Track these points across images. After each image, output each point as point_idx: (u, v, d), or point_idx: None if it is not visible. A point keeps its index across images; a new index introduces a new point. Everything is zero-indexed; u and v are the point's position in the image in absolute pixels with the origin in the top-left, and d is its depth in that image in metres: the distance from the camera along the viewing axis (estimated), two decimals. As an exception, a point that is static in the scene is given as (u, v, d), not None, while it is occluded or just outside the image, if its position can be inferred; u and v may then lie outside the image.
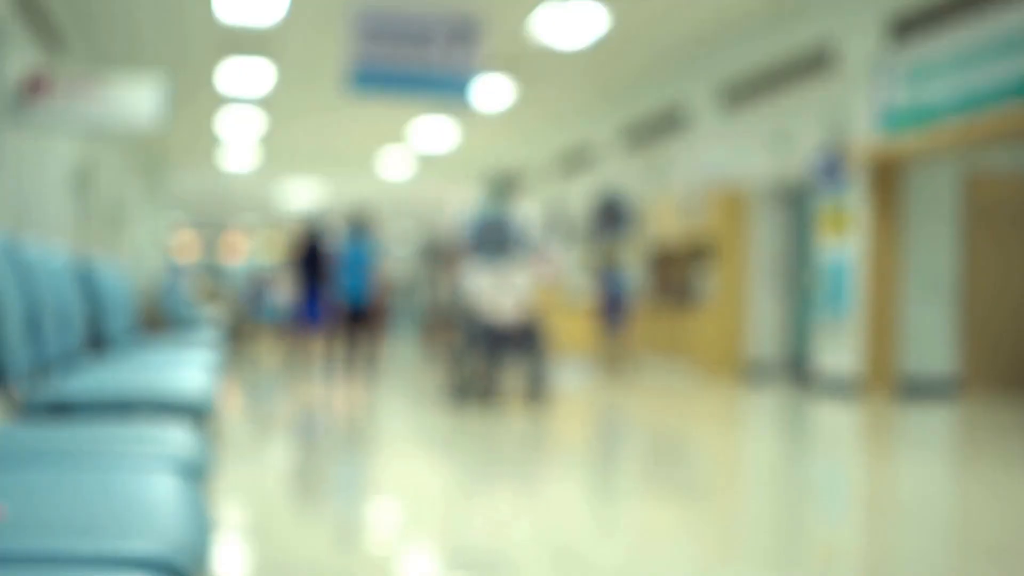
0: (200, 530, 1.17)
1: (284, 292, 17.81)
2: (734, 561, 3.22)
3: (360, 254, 10.52)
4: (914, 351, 8.65)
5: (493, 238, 8.49)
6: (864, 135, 8.45)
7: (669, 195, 12.14)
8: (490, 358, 7.59)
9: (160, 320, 9.99)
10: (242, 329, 14.83)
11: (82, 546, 1.01)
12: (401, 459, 5.31)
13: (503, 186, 8.68)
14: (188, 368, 3.12)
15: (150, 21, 10.10)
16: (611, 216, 13.53)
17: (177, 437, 1.77)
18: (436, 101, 9.69)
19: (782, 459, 5.63)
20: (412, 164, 18.77)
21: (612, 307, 12.15)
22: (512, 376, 8.91)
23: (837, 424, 7.07)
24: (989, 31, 7.19)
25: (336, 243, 10.65)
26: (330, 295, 10.48)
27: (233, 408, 7.11)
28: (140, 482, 1.35)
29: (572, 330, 14.40)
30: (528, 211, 15.94)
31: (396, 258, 22.37)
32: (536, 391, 7.51)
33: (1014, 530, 3.66)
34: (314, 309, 11.38)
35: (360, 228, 10.61)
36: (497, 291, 7.90)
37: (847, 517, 4.13)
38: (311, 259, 11.85)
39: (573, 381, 10.48)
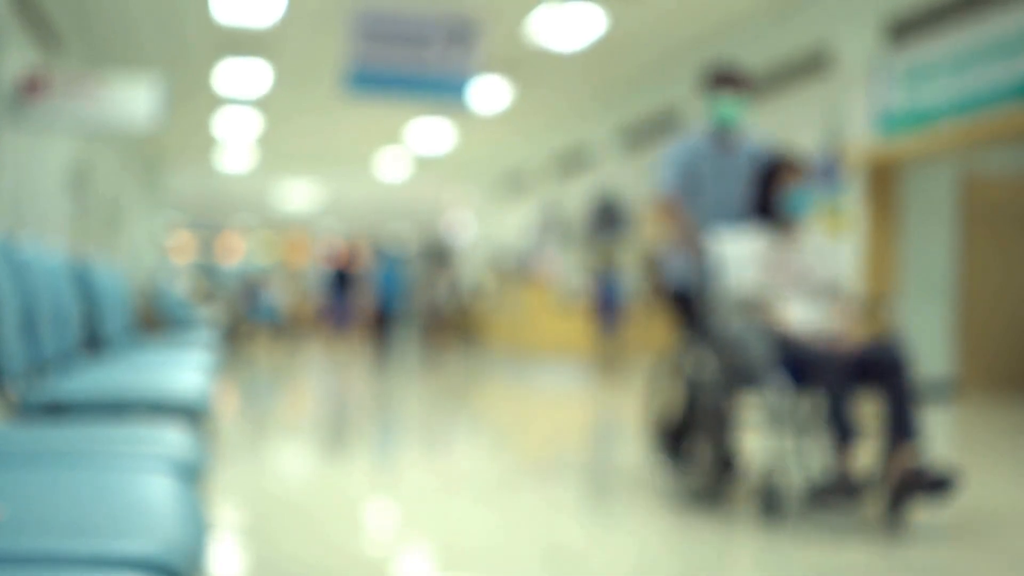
0: (195, 530, 1.17)
1: (281, 293, 17.90)
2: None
3: (392, 274, 14.20)
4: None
5: (745, 182, 4.23)
6: (861, 137, 8.46)
7: (666, 197, 12.14)
8: (836, 419, 3.56)
9: (157, 320, 10.00)
10: (239, 329, 14.82)
11: (78, 546, 1.01)
12: None
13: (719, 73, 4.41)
14: (184, 369, 3.12)
15: (147, 21, 10.09)
16: (608, 218, 13.54)
17: (173, 438, 1.77)
18: (434, 103, 9.69)
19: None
20: (409, 165, 18.77)
21: (607, 309, 12.15)
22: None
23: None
24: (986, 33, 7.20)
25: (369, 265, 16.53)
26: (359, 303, 17.23)
27: (230, 408, 7.10)
28: (136, 482, 1.35)
29: (567, 332, 14.40)
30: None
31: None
32: (917, 477, 3.44)
33: (1012, 529, 3.66)
34: (341, 313, 17.24)
35: (391, 255, 14.67)
36: (787, 286, 3.95)
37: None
38: (342, 274, 17.45)
39: (575, 384, 10.49)
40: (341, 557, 3.06)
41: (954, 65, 7.45)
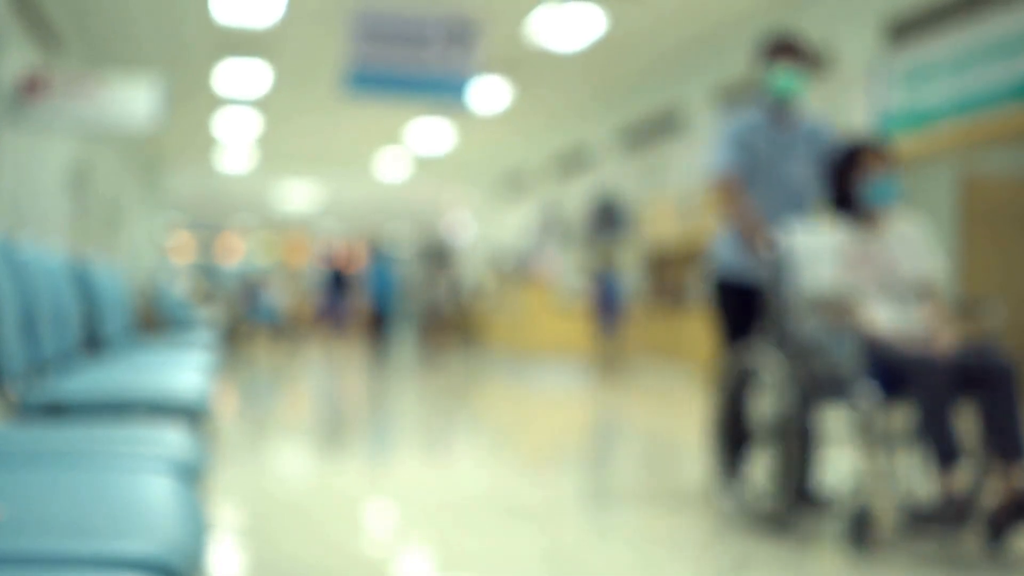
0: (195, 531, 1.17)
1: (282, 294, 17.93)
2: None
3: (385, 274, 14.45)
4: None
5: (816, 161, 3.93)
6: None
7: (666, 197, 12.15)
8: (937, 434, 3.09)
9: (156, 321, 10.00)
10: (238, 330, 14.82)
11: (77, 546, 1.01)
12: None
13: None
14: (184, 369, 3.12)
15: (147, 22, 10.09)
16: (607, 218, 13.55)
17: (173, 438, 1.77)
18: (433, 103, 9.69)
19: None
20: (409, 166, 18.77)
21: (607, 309, 12.16)
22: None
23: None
24: (986, 34, 7.20)
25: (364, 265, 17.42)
26: (354, 303, 17.98)
27: (230, 408, 7.10)
28: (135, 483, 1.35)
29: (567, 332, 14.40)
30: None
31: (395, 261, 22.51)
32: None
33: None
34: (338, 314, 17.75)
35: (383, 254, 14.72)
36: (871, 284, 3.52)
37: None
38: (338, 275, 18.07)
39: (575, 384, 10.50)
40: (341, 557, 3.06)
41: (954, 65, 7.45)
